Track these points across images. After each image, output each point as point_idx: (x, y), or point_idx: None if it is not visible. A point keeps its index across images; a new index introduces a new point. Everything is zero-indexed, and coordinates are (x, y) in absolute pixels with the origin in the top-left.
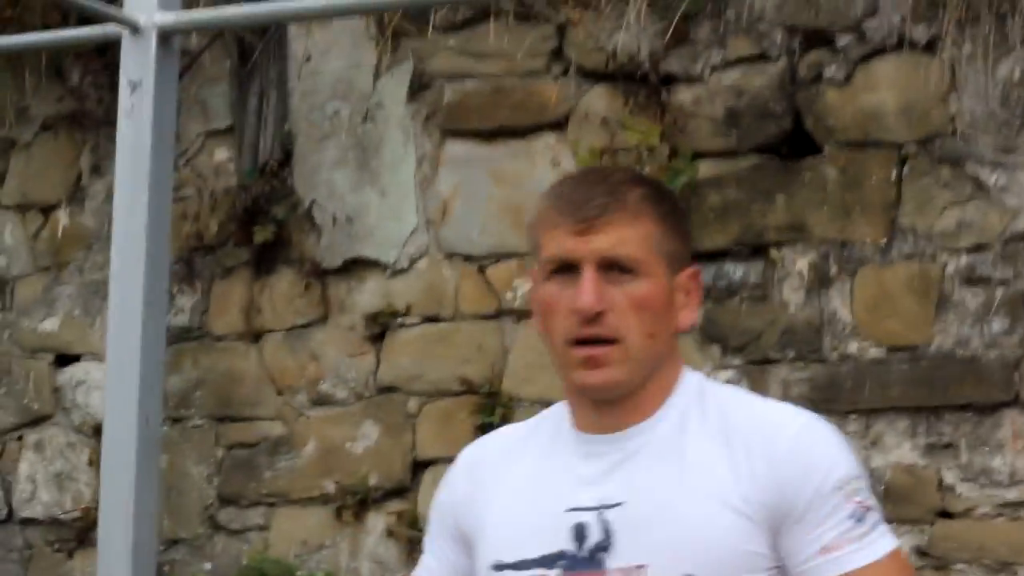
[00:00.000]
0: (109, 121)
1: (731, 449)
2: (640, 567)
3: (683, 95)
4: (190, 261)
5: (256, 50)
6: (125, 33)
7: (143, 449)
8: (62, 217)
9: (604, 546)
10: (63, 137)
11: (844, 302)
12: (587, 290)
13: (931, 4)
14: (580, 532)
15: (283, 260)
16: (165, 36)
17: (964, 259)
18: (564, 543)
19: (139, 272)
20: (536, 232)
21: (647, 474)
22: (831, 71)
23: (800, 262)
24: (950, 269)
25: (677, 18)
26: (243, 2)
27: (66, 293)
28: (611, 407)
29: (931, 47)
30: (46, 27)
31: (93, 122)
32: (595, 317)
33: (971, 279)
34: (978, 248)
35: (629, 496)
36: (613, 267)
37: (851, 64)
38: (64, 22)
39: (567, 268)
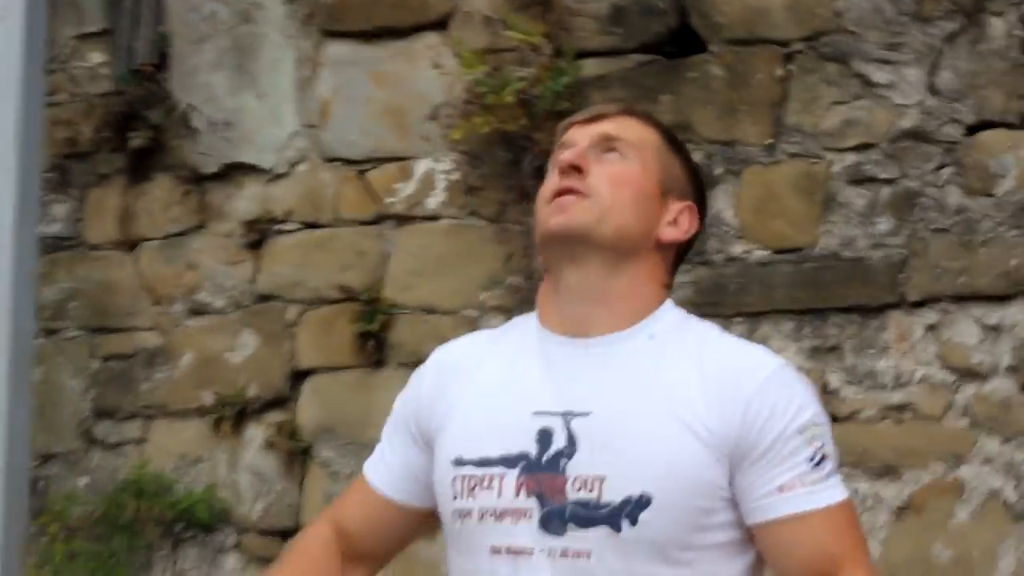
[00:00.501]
0: None
1: (704, 379)
2: (599, 478)
3: None
4: (63, 168)
5: None
6: None
7: (15, 362)
8: None
9: (567, 453)
10: None
11: (729, 203)
12: (577, 148)
13: None
14: (545, 436)
15: (159, 166)
16: None
17: (850, 158)
18: (527, 445)
19: (10, 181)
20: (554, 150)
21: (617, 387)
22: None
23: None
24: (836, 168)
25: None
26: None
27: None
28: (582, 302)
29: None
30: None
31: None
32: (573, 171)
33: (857, 179)
34: (864, 147)
35: (597, 406)
36: (603, 146)
37: None
38: None
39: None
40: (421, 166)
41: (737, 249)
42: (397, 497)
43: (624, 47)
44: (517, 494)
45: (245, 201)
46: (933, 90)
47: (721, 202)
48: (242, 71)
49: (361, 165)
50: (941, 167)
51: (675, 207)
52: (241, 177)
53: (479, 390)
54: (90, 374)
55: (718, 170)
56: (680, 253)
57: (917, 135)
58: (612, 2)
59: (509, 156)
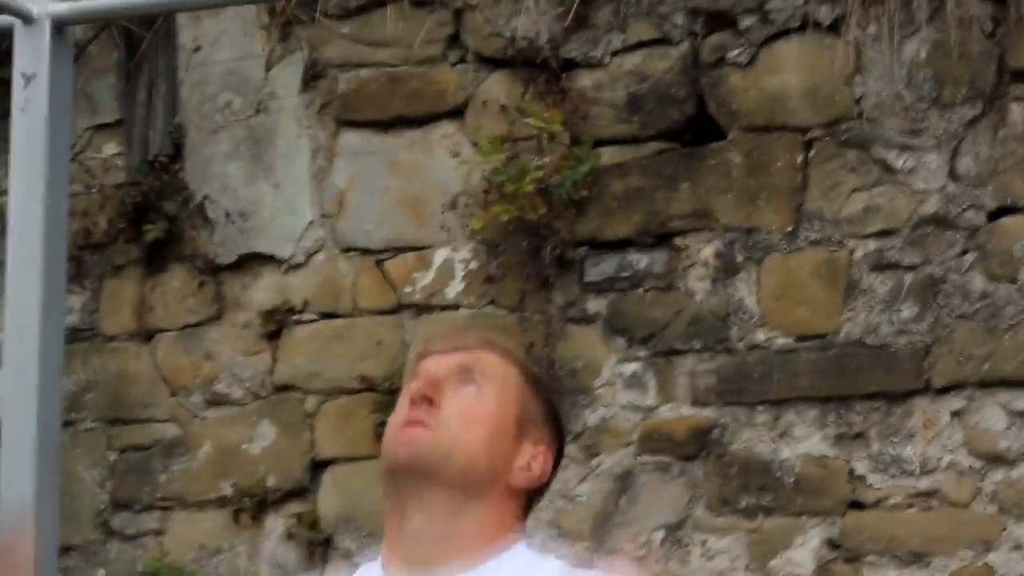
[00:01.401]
0: None
1: None
2: None
3: (584, 80)
4: (79, 259)
5: (144, 41)
6: (17, 24)
7: (42, 457)
8: None
9: None
10: None
11: (751, 291)
12: (430, 379)
13: None
14: None
15: (175, 257)
16: (59, 26)
17: (872, 244)
18: None
19: (36, 275)
20: (409, 378)
21: None
22: (734, 54)
23: (705, 250)
24: (858, 255)
25: (576, 2)
26: None
27: None
28: (427, 542)
29: (835, 28)
30: None
31: None
32: (424, 401)
33: (879, 265)
34: (886, 233)
35: None
36: (464, 380)
37: (754, 46)
38: None
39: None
40: (439, 255)
41: (759, 337)
42: None
43: (642, 135)
44: None
45: (262, 291)
46: (954, 175)
47: (743, 290)
48: (258, 161)
49: (379, 255)
50: (964, 253)
51: (529, 451)
52: (258, 267)
53: None
54: (107, 465)
55: (739, 258)
56: (531, 496)
57: (939, 221)
58: (629, 90)
59: (529, 245)
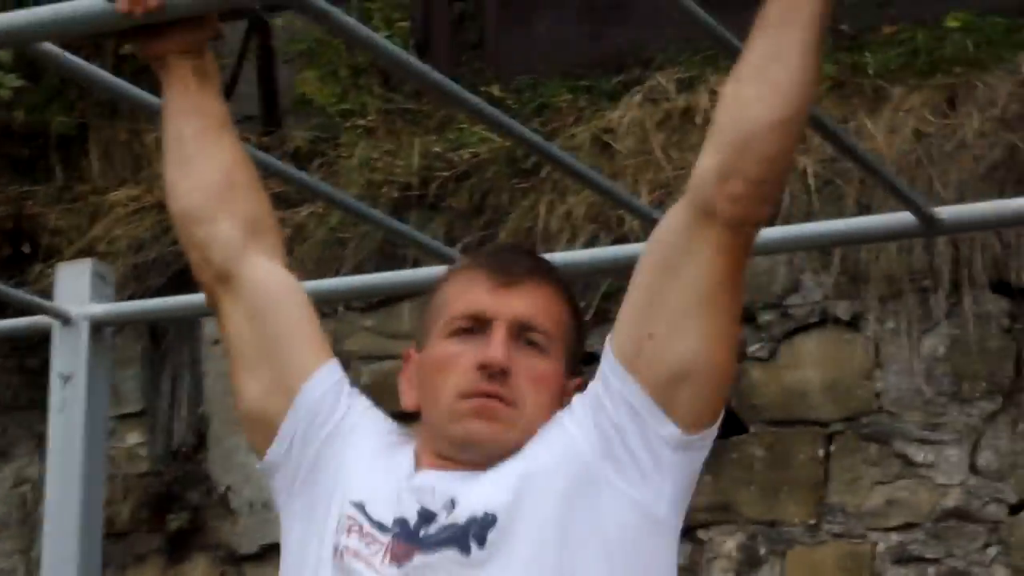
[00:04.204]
0: (17, 406)
1: None
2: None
3: None
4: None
5: (168, 333)
6: (56, 325)
7: None
8: None
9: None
10: None
11: None
12: (499, 344)
13: (853, 281)
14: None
15: (197, 546)
16: (97, 327)
17: (895, 538)
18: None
19: (72, 570)
20: (444, 293)
21: None
22: (754, 348)
23: (729, 543)
24: (881, 548)
25: (597, 298)
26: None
27: None
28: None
29: (854, 323)
30: None
31: (1, 407)
32: (501, 375)
33: (903, 558)
34: (908, 527)
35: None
36: (523, 336)
37: (775, 341)
38: None
39: (475, 327)
40: None
41: None
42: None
43: None
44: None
45: None
46: (975, 469)
47: None
48: None
49: None
50: (986, 546)
51: (571, 389)
52: (279, 557)
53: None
54: None
55: (762, 550)
56: None
57: (961, 515)
58: None
59: None
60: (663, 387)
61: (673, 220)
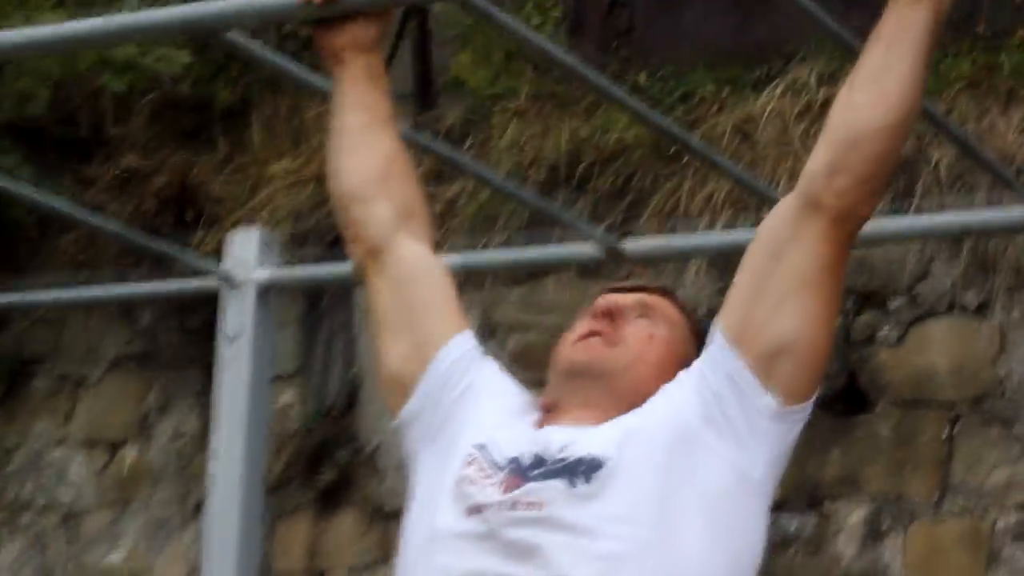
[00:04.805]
0: (177, 363)
1: None
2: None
3: None
4: None
5: (323, 298)
6: (224, 287)
7: None
8: (129, 454)
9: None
10: (131, 376)
11: (897, 556)
12: (613, 300)
13: (981, 270)
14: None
15: (346, 501)
16: (264, 291)
17: (1014, 516)
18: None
19: (234, 519)
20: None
21: None
22: (884, 332)
23: (854, 516)
24: (1000, 526)
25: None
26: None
27: (131, 528)
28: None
29: (981, 311)
30: (118, 269)
31: (161, 362)
32: (607, 317)
33: (1020, 536)
34: None
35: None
36: (643, 314)
37: (903, 326)
38: (136, 264)
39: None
40: None
41: None
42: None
43: None
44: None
45: None
46: None
47: (888, 555)
48: None
49: None
50: None
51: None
52: None
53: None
54: None
55: (885, 524)
56: None
57: None
58: None
59: None
60: (764, 361)
61: (783, 209)
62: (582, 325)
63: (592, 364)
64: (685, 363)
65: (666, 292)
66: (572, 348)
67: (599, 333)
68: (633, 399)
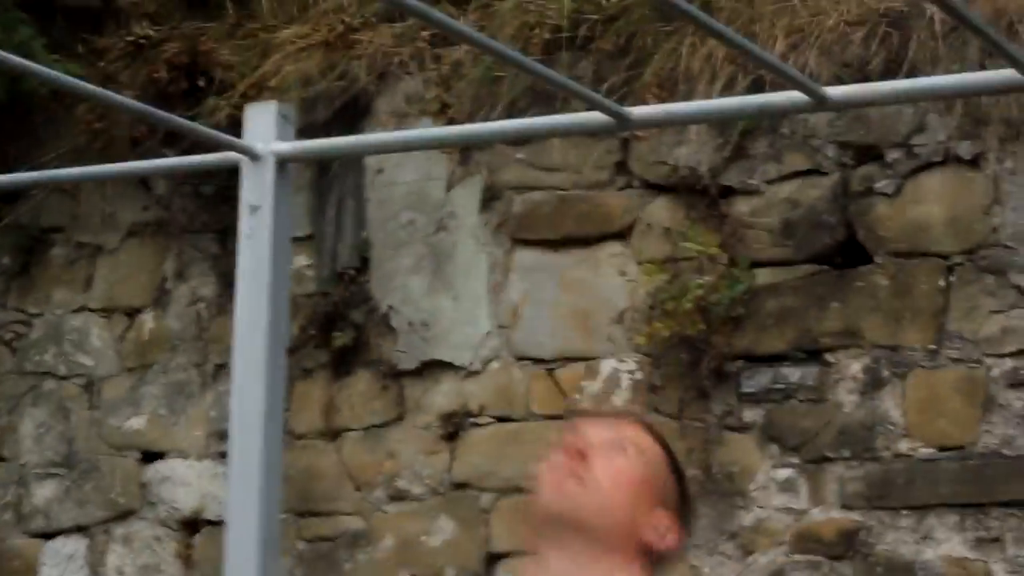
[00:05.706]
0: (193, 229)
1: None
2: None
3: (741, 206)
4: None
5: (334, 163)
6: (244, 160)
7: (266, 548)
8: (147, 320)
9: None
10: (148, 244)
11: (896, 404)
12: (579, 433)
13: (975, 122)
14: None
15: (361, 362)
16: (282, 163)
17: (1009, 363)
18: None
19: (260, 389)
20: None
21: None
22: (881, 184)
23: (854, 366)
24: (995, 373)
25: (736, 134)
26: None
27: (151, 393)
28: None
29: (975, 162)
30: (134, 141)
31: (177, 230)
32: (576, 457)
33: (1016, 382)
34: (1022, 353)
35: None
36: (616, 447)
37: (900, 178)
38: (151, 132)
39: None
40: (606, 366)
41: (903, 447)
42: None
43: (795, 258)
44: None
45: (441, 396)
46: None
47: (888, 402)
48: (438, 275)
49: (549, 364)
50: None
51: (663, 517)
52: (438, 373)
53: None
54: (296, 555)
55: (884, 373)
56: (655, 562)
57: None
58: (784, 216)
59: (688, 358)
60: None
61: None
62: (554, 459)
63: (567, 513)
64: (661, 490)
65: (642, 422)
66: (547, 490)
67: (572, 474)
68: (607, 536)
